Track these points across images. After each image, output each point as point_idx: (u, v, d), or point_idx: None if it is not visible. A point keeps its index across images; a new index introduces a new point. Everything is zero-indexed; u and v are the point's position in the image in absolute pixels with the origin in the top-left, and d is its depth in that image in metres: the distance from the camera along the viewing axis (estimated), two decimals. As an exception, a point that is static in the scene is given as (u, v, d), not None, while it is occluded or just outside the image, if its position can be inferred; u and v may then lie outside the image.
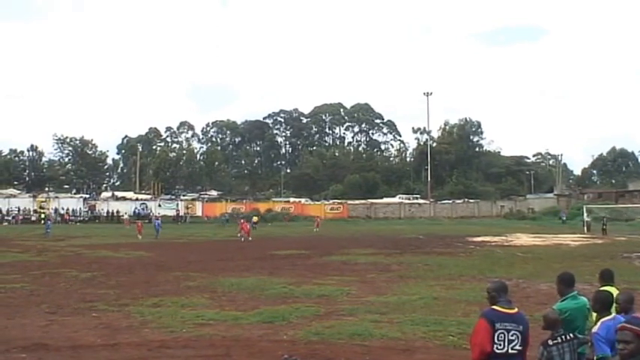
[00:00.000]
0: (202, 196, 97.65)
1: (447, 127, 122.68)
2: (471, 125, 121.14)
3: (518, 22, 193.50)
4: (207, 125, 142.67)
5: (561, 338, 5.64)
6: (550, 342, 5.61)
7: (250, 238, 44.00)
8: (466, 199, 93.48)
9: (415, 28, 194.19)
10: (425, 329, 12.13)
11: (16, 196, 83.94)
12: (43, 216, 72.73)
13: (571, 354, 5.67)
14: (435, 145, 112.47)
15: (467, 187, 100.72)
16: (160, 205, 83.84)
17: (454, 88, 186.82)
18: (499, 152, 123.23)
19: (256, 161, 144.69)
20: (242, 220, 56.22)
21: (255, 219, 59.68)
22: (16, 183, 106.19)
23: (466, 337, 10.96)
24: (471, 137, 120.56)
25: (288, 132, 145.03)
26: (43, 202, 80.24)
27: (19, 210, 76.47)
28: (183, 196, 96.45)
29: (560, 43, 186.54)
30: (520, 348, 5.54)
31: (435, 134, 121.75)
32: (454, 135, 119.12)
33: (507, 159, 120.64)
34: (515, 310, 5.70)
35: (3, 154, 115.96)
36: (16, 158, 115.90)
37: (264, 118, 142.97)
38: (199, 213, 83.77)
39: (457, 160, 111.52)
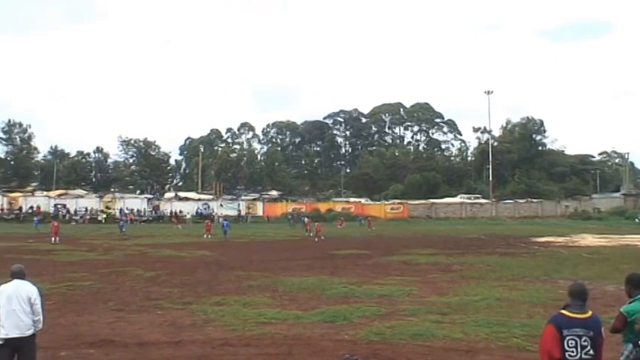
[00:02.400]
0: (263, 196, 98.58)
1: (509, 126, 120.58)
2: (533, 124, 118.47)
3: (583, 18, 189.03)
4: (268, 126, 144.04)
5: None
6: None
7: (317, 239, 44.18)
8: (529, 199, 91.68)
9: (475, 25, 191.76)
10: (488, 330, 11.94)
11: (84, 196, 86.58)
12: (105, 216, 75.03)
13: None
14: (496, 144, 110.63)
15: (530, 187, 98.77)
16: (221, 205, 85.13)
17: (516, 86, 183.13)
18: (563, 151, 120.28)
19: (316, 161, 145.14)
20: (307, 220, 57.13)
21: (306, 220, 60.44)
22: (83, 184, 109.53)
23: (530, 338, 10.81)
24: (534, 136, 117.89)
25: (347, 132, 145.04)
26: (109, 202, 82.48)
27: (86, 210, 78.80)
28: (245, 196, 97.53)
29: (625, 38, 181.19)
30: (593, 353, 5.34)
31: (497, 133, 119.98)
32: (516, 134, 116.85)
33: (572, 158, 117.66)
34: (589, 314, 5.46)
35: (71, 156, 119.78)
36: (83, 160, 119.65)
37: (323, 119, 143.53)
38: (260, 213, 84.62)
39: (519, 160, 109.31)
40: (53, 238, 40.09)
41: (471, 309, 14.41)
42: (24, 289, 7.68)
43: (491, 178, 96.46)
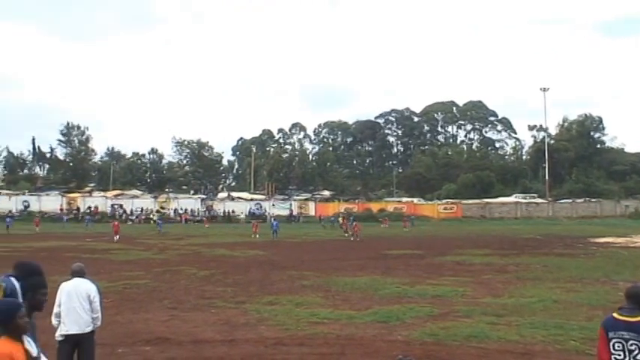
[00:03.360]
0: (315, 196, 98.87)
1: (566, 124, 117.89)
2: (591, 121, 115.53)
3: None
4: (319, 126, 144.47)
5: None
6: None
7: (353, 238, 44.23)
8: (587, 199, 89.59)
9: (530, 20, 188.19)
10: (545, 333, 11.70)
11: (139, 197, 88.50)
12: (154, 217, 76.59)
13: None
14: (552, 142, 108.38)
15: (588, 186, 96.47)
16: (273, 205, 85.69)
17: (573, 82, 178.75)
18: (623, 149, 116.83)
19: (368, 161, 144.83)
20: (340, 220, 57.35)
21: (340, 220, 60.59)
22: (138, 184, 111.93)
23: (589, 342, 10.54)
24: (592, 133, 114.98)
25: (399, 131, 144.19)
26: (163, 202, 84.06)
27: (141, 210, 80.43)
28: (297, 196, 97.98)
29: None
30: None
31: (553, 131, 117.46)
32: (573, 131, 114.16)
33: (632, 156, 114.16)
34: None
35: (127, 157, 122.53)
36: (139, 161, 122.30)
37: (375, 118, 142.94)
38: (312, 213, 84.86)
39: (577, 158, 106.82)
40: (115, 237, 41.99)
41: (526, 311, 14.13)
42: (83, 287, 7.85)
43: (547, 177, 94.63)
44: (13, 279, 8.36)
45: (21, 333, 4.29)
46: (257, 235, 47.53)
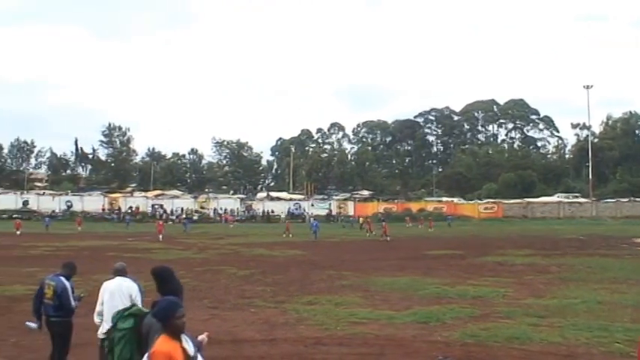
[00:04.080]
0: (354, 195, 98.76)
1: (610, 122, 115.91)
2: (636, 119, 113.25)
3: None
4: (358, 126, 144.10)
5: None
6: None
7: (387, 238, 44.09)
8: (632, 198, 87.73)
9: (573, 16, 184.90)
10: (588, 335, 11.46)
11: (179, 197, 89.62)
12: (184, 216, 77.47)
13: None
14: (596, 140, 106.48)
15: (633, 185, 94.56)
16: (312, 205, 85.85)
17: (617, 79, 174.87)
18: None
19: (407, 161, 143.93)
20: (361, 220, 57.85)
21: (361, 220, 60.70)
22: (178, 184, 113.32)
23: (634, 344, 10.29)
24: (637, 132, 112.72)
25: (439, 130, 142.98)
26: (203, 202, 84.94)
27: (182, 210, 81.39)
28: (336, 196, 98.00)
29: None
30: None
31: (597, 129, 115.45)
32: (618, 129, 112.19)
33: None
34: None
35: (167, 158, 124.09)
36: (179, 161, 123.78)
37: (414, 117, 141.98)
38: (351, 212, 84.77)
39: (622, 157, 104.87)
40: (160, 236, 43.17)
41: (569, 312, 13.88)
42: (125, 286, 7.96)
43: (590, 177, 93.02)
44: (62, 278, 8.58)
45: (179, 332, 4.47)
46: (290, 235, 47.71)
